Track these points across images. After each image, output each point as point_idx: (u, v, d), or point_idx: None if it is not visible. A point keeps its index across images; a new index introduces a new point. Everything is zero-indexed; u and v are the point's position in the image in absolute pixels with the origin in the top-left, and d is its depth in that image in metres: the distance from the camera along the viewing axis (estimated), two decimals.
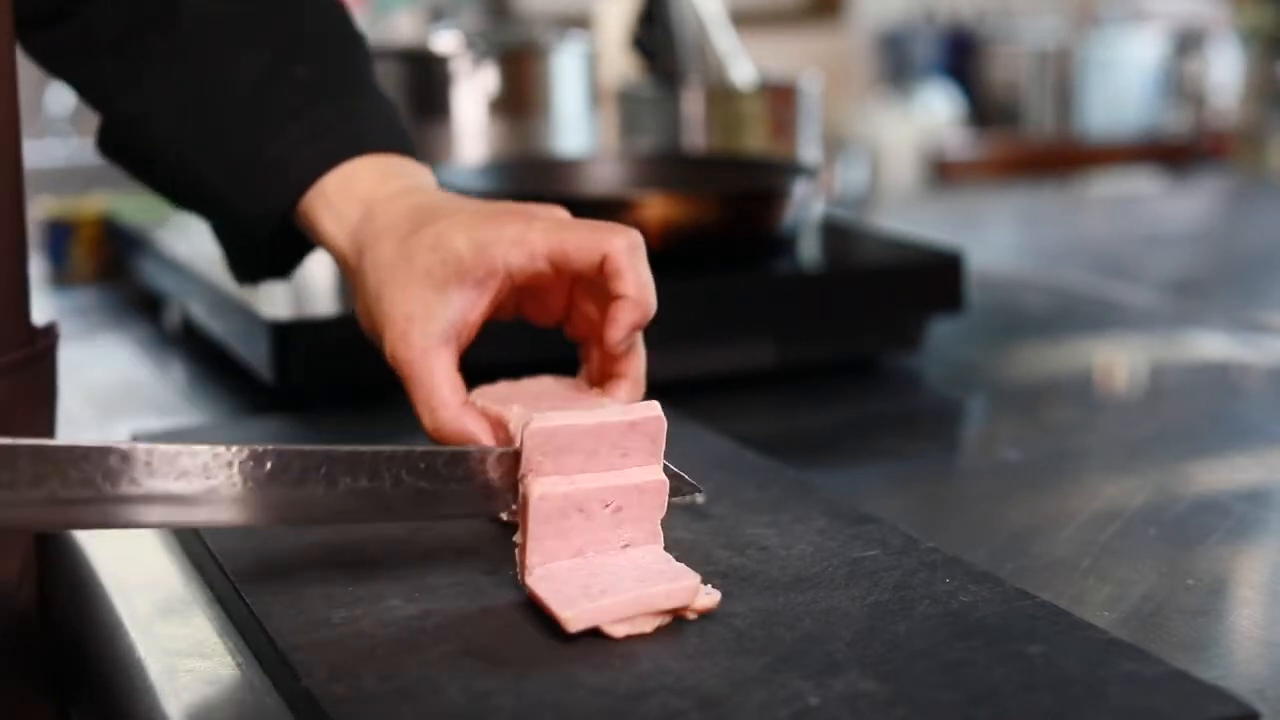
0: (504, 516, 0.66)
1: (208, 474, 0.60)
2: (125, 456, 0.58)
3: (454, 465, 0.64)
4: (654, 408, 0.65)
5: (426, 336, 0.70)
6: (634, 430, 0.64)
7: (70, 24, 0.82)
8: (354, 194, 0.77)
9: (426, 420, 0.70)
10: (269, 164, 0.79)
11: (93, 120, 0.85)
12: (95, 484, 0.57)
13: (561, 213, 0.73)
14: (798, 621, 0.60)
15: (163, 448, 0.59)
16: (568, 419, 0.63)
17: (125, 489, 0.58)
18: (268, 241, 0.82)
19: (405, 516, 0.64)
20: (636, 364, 0.73)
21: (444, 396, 0.70)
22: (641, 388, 0.73)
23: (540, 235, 0.70)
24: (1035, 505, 0.86)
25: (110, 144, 0.85)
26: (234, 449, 0.60)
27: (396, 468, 0.63)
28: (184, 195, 0.85)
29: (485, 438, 0.69)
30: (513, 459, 0.64)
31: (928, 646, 0.58)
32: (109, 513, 0.58)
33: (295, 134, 0.79)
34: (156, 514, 0.59)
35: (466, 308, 0.71)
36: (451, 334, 0.70)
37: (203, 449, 0.60)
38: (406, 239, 0.72)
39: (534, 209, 0.72)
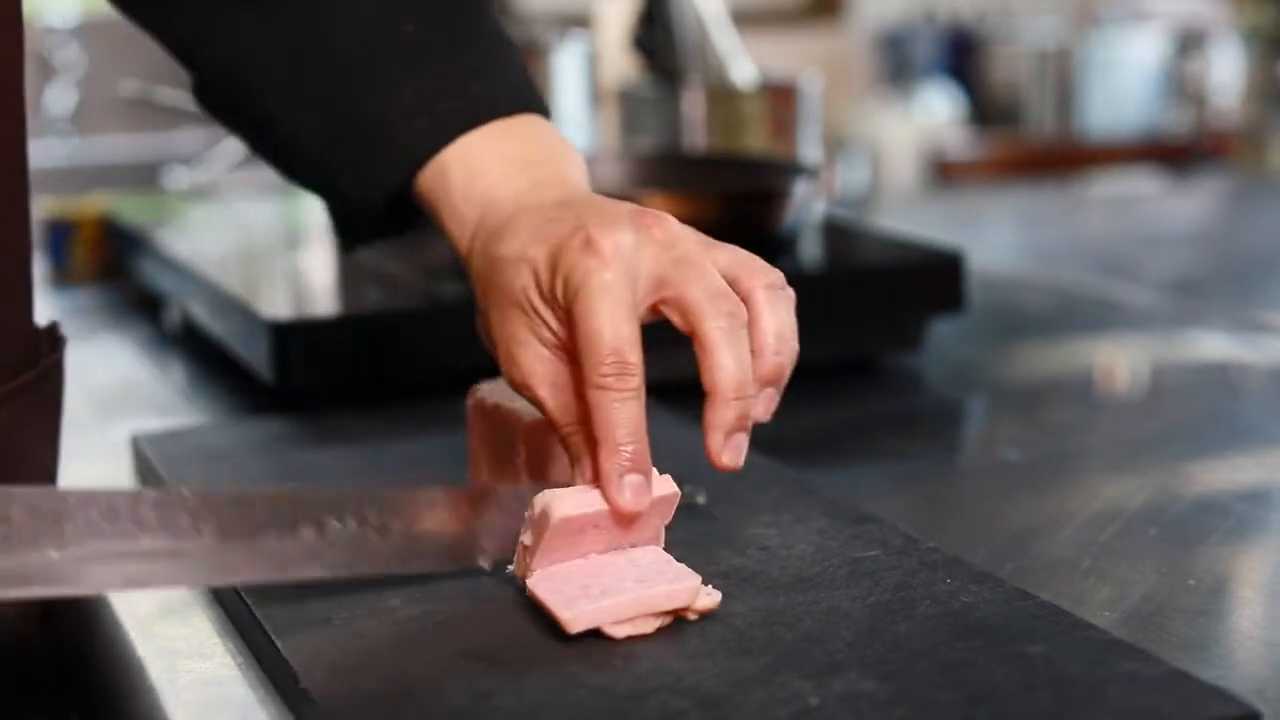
0: (485, 565, 0.65)
1: (197, 525, 0.58)
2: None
3: (433, 507, 0.63)
4: (668, 484, 0.64)
5: (538, 360, 0.65)
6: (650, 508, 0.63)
7: None
8: (476, 190, 0.70)
9: (565, 442, 0.65)
10: (377, 135, 0.72)
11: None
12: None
13: (672, 230, 0.64)
14: (798, 621, 0.60)
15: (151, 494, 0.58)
16: (585, 504, 0.62)
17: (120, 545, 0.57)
18: (381, 212, 0.76)
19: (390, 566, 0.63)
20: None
21: (576, 413, 0.64)
22: (741, 380, 0.62)
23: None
24: (1035, 505, 0.86)
25: (207, 99, 0.79)
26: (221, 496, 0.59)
27: (378, 510, 0.62)
28: (285, 161, 0.79)
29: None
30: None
31: (928, 646, 0.58)
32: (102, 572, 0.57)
33: (405, 101, 0.72)
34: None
35: (560, 331, 0.64)
36: (561, 353, 0.65)
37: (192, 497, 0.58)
38: (493, 248, 0.66)
39: (645, 224, 0.64)
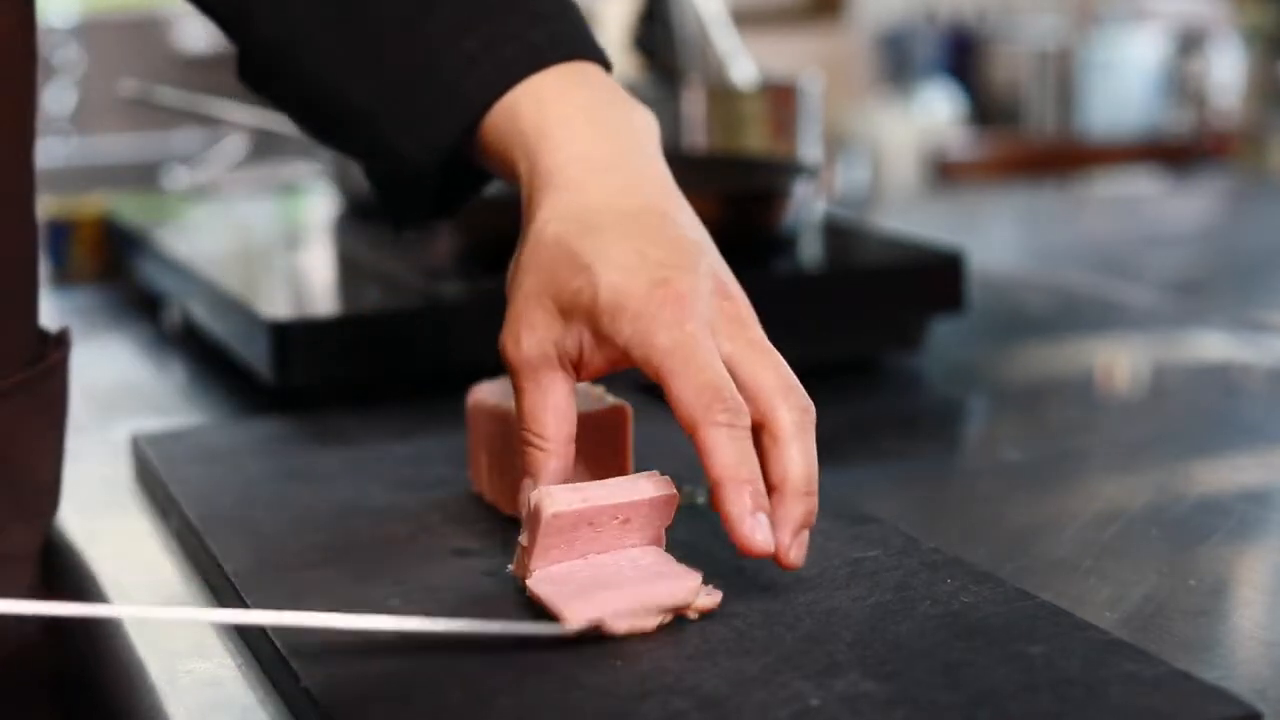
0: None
1: None
2: None
3: None
4: (668, 485, 0.64)
5: (537, 350, 0.64)
6: (646, 506, 0.63)
7: None
8: (551, 135, 0.68)
9: (525, 448, 0.65)
10: (442, 82, 0.70)
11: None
12: None
13: (744, 311, 0.64)
14: (798, 622, 0.60)
15: None
16: (577, 500, 0.62)
17: None
18: (436, 176, 0.74)
19: None
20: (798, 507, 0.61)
21: (547, 427, 0.64)
22: (809, 476, 0.61)
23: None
24: (1036, 505, 0.86)
25: (252, 73, 0.77)
26: None
27: None
28: (339, 129, 0.76)
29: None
30: None
31: (929, 647, 0.58)
32: None
33: (469, 47, 0.70)
34: None
35: (585, 348, 0.64)
36: (566, 361, 0.64)
37: None
38: (566, 239, 0.65)
39: (721, 292, 0.64)
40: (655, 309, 0.62)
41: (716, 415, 0.60)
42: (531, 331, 0.64)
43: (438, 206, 0.77)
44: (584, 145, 0.68)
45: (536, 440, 0.65)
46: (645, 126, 0.71)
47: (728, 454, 0.60)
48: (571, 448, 0.65)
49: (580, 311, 0.63)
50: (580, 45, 0.72)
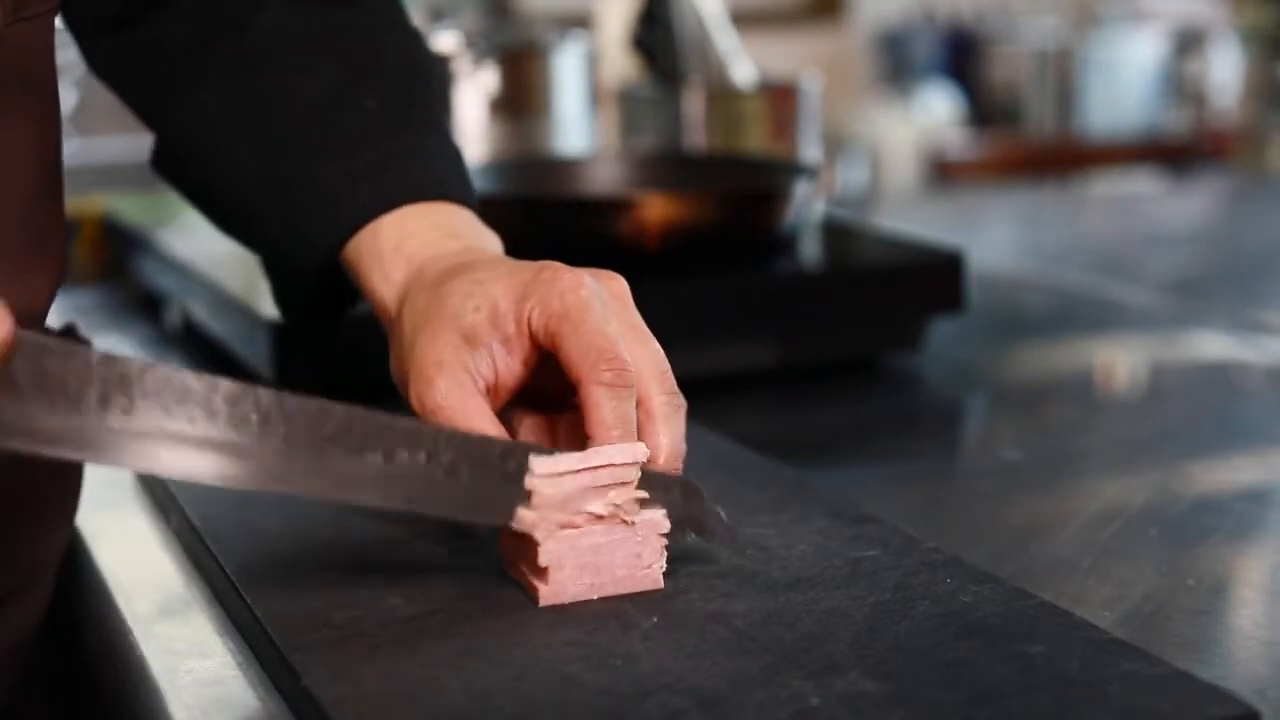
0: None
1: (266, 423, 0.57)
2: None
3: (508, 457, 0.61)
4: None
5: (457, 385, 0.64)
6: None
7: (137, 30, 0.80)
8: (405, 253, 0.73)
9: None
10: (323, 196, 0.75)
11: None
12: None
13: (625, 290, 0.67)
14: (798, 621, 0.60)
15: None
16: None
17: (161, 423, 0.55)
18: (316, 278, 0.79)
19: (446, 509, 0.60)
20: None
21: (487, 430, 0.63)
22: (675, 454, 0.65)
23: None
24: (1036, 505, 0.86)
25: (164, 160, 0.82)
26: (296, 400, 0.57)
27: (454, 449, 0.60)
28: (233, 219, 0.82)
29: None
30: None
31: (928, 646, 0.58)
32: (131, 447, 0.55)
33: (355, 168, 0.75)
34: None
35: (499, 363, 0.65)
36: (482, 386, 0.65)
37: (266, 394, 0.56)
38: (441, 284, 0.67)
39: (602, 276, 0.66)
40: (549, 283, 0.64)
41: (602, 374, 0.62)
42: (443, 371, 0.65)
43: (325, 306, 0.82)
44: (442, 246, 0.72)
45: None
46: (495, 241, 0.76)
47: (606, 412, 0.62)
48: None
49: (483, 326, 0.65)
50: (452, 186, 0.77)
